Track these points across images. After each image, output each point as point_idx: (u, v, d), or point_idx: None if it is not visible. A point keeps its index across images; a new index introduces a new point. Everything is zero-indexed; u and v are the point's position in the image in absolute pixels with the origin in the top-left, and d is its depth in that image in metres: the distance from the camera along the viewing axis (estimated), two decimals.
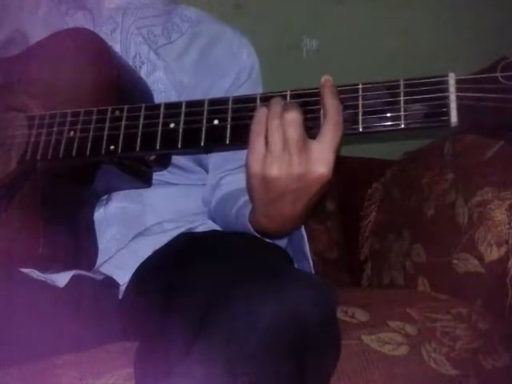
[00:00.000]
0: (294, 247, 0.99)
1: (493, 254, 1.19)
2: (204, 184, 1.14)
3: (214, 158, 1.13)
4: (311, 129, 0.79)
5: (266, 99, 0.83)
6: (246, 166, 0.82)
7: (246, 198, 0.97)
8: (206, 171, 1.14)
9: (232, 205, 1.03)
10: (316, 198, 0.83)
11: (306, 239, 0.97)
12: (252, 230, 0.92)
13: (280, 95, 0.83)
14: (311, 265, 0.98)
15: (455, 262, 1.24)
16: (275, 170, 0.78)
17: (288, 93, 0.83)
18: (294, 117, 0.77)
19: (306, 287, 0.75)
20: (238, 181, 1.08)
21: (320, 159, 0.77)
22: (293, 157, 0.77)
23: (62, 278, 0.93)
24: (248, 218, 0.92)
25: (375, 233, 1.60)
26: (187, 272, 0.85)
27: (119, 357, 0.91)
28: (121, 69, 0.99)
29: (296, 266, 0.99)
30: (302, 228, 0.96)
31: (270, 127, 0.78)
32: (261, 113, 0.80)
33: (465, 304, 1.16)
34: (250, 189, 0.85)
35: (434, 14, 1.90)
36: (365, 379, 0.97)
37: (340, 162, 1.73)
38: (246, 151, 0.82)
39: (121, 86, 0.96)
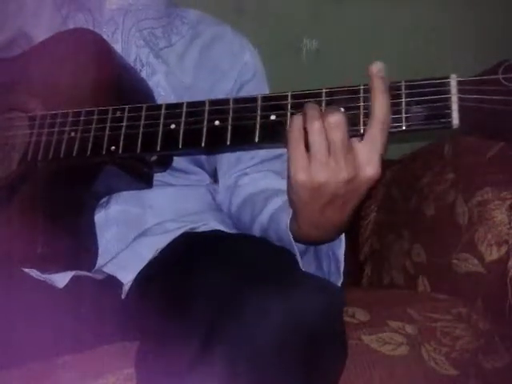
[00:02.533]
0: (322, 248, 0.94)
1: (493, 254, 1.19)
2: (202, 185, 1.14)
3: (226, 159, 1.12)
4: None
5: (267, 100, 0.83)
6: (289, 176, 0.79)
7: (279, 202, 0.96)
8: (207, 172, 1.14)
9: (260, 209, 1.00)
10: (362, 199, 0.80)
11: (343, 242, 0.90)
12: (291, 238, 0.89)
13: (280, 96, 0.82)
14: (341, 268, 0.92)
15: (455, 261, 1.24)
16: (323, 177, 0.75)
17: (289, 93, 0.82)
18: (337, 119, 0.74)
19: (313, 289, 0.75)
20: (256, 180, 1.07)
21: (368, 161, 0.75)
22: (339, 161, 0.75)
23: (61, 279, 0.93)
24: (289, 227, 0.88)
25: (375, 233, 1.60)
26: (192, 275, 0.84)
27: (119, 357, 0.91)
28: (122, 69, 0.99)
29: (324, 266, 0.95)
30: None
31: (312, 132, 0.75)
32: (296, 119, 0.77)
33: (465, 304, 1.16)
34: (294, 199, 0.81)
35: (435, 13, 1.90)
36: (365, 379, 0.97)
37: None
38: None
39: (122, 86, 0.96)
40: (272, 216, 0.97)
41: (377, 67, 0.76)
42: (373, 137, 0.75)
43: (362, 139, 0.76)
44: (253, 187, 1.07)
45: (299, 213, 0.84)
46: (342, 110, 0.78)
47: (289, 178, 0.79)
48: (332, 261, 0.93)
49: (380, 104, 0.75)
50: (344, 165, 0.75)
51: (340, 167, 0.75)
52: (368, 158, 0.75)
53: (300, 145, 0.76)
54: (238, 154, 1.10)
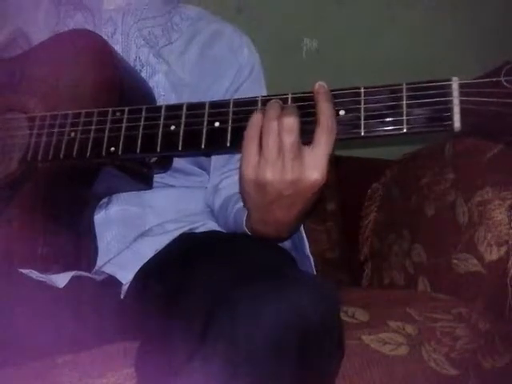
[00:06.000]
0: (296, 248, 0.98)
1: (493, 254, 1.19)
2: (204, 186, 1.13)
3: (216, 159, 1.12)
4: (312, 132, 0.78)
5: (268, 102, 0.82)
6: (240, 171, 0.82)
7: (241, 203, 0.97)
8: (208, 173, 1.14)
9: (231, 209, 1.03)
10: (310, 203, 0.83)
11: (305, 240, 0.96)
12: (248, 233, 0.93)
13: (281, 98, 0.82)
14: (312, 265, 0.97)
15: (455, 261, 1.24)
16: (269, 175, 0.78)
17: (289, 96, 0.82)
18: (290, 122, 0.77)
19: (309, 287, 0.75)
20: (235, 184, 1.07)
21: (313, 166, 0.78)
22: (286, 162, 0.77)
23: (61, 279, 0.93)
24: (245, 224, 0.93)
25: (375, 233, 1.60)
26: (189, 273, 0.85)
27: (119, 357, 0.91)
28: (123, 70, 0.98)
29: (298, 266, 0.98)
30: (301, 229, 0.96)
31: (266, 132, 0.78)
32: (256, 118, 0.79)
33: (465, 304, 1.16)
34: (244, 194, 0.85)
35: (435, 14, 1.90)
36: (365, 379, 0.97)
37: (340, 163, 1.74)
38: None
39: (123, 87, 0.96)
40: (235, 216, 1.00)
41: (318, 84, 0.80)
42: (320, 143, 0.78)
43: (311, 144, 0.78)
44: (230, 190, 1.08)
45: (249, 210, 0.88)
46: (343, 112, 0.79)
47: (239, 173, 0.82)
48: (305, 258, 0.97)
49: (324, 112, 0.78)
50: (290, 167, 0.77)
51: (286, 168, 0.78)
52: (314, 163, 0.78)
53: (254, 142, 0.79)
54: (228, 155, 1.11)
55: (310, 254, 0.96)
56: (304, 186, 0.79)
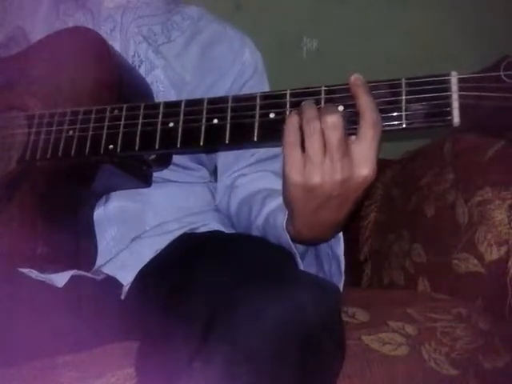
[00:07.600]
0: (316, 249, 0.94)
1: (493, 254, 1.19)
2: (202, 182, 1.13)
3: (224, 158, 1.12)
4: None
5: (266, 98, 0.82)
6: (284, 177, 0.78)
7: (275, 203, 0.95)
8: (207, 169, 1.14)
9: (258, 211, 1.00)
10: (358, 202, 0.79)
11: (341, 240, 0.90)
12: (288, 239, 0.88)
13: (279, 94, 0.82)
14: (342, 268, 0.92)
15: (455, 261, 1.24)
16: (317, 178, 0.74)
17: (287, 91, 0.81)
18: (335, 119, 0.73)
19: (309, 288, 0.75)
20: (254, 181, 1.07)
21: (363, 161, 0.74)
22: (335, 162, 0.74)
23: (60, 278, 0.93)
24: (285, 227, 0.87)
25: (375, 233, 1.60)
26: (190, 274, 0.85)
27: (119, 357, 0.91)
28: (121, 68, 0.98)
29: (325, 266, 0.94)
30: None
31: (309, 133, 0.74)
32: (293, 120, 0.76)
33: (465, 304, 1.16)
34: (289, 200, 0.81)
35: (435, 13, 1.90)
36: (365, 379, 0.97)
37: None
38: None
39: (121, 84, 0.96)
40: (267, 218, 0.96)
41: (355, 76, 0.77)
42: (367, 136, 0.75)
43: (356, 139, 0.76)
44: (250, 188, 1.07)
45: (294, 213, 0.83)
46: (342, 108, 0.78)
47: (283, 178, 0.79)
48: (332, 260, 0.92)
49: (367, 106, 0.75)
50: (339, 166, 0.74)
51: (335, 168, 0.74)
52: (363, 158, 0.75)
53: (296, 146, 0.76)
54: (236, 152, 1.10)
55: (341, 255, 0.90)
56: (354, 184, 0.75)
